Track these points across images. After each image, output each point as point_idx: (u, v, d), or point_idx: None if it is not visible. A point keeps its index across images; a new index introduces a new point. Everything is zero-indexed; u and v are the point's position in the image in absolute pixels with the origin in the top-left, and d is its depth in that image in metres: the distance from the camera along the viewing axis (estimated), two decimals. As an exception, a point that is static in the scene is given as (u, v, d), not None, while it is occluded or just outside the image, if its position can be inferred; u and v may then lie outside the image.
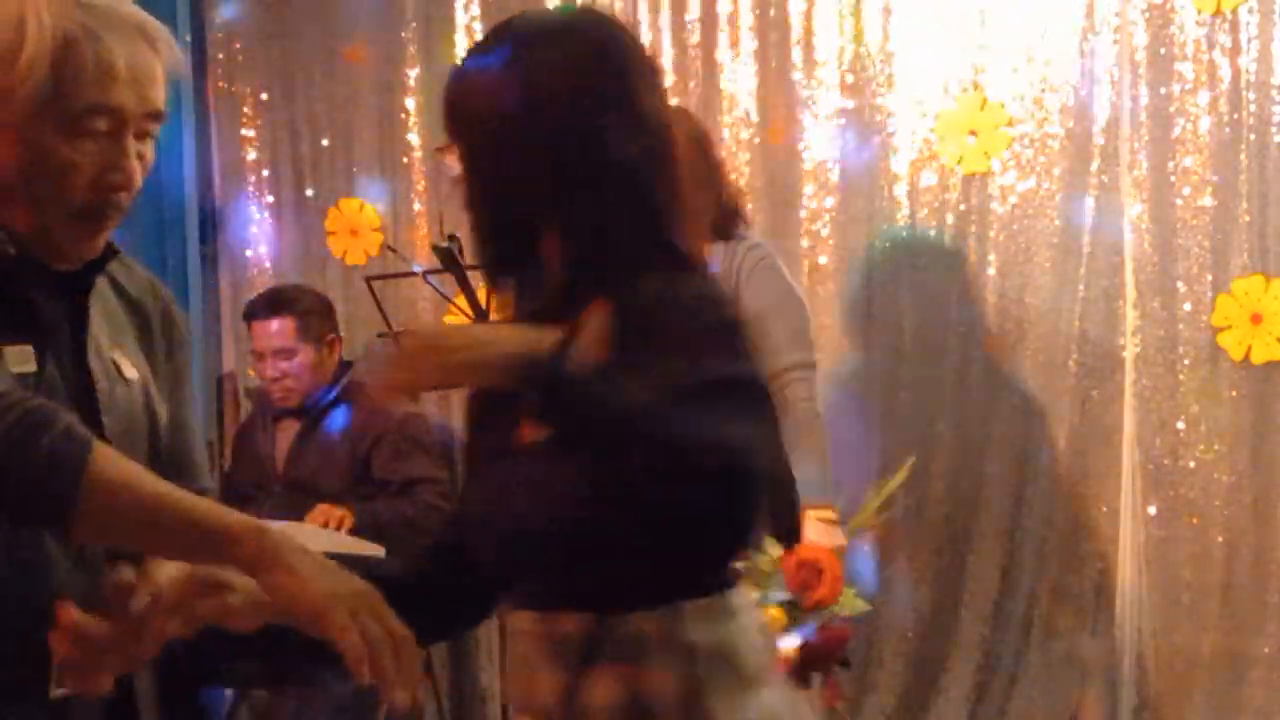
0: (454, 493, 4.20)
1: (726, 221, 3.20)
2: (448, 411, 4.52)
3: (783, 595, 2.85)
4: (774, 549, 2.90)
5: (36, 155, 1.46)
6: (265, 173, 4.78)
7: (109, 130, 1.48)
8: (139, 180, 1.53)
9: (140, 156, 1.53)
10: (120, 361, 1.57)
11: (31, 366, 1.47)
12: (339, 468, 3.94)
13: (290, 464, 4.03)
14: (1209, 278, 3.74)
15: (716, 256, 3.14)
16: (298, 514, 3.73)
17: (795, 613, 2.88)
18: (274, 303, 4.06)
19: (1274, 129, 3.67)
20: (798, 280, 4.13)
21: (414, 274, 3.20)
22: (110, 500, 1.31)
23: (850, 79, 4.11)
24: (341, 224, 4.69)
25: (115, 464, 1.32)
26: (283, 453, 4.06)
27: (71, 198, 1.49)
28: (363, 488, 3.92)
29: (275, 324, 3.98)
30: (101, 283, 1.59)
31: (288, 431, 4.07)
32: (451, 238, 3.05)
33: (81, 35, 1.43)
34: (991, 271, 3.99)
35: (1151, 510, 3.81)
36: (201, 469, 1.68)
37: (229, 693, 4.10)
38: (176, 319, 1.69)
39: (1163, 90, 3.78)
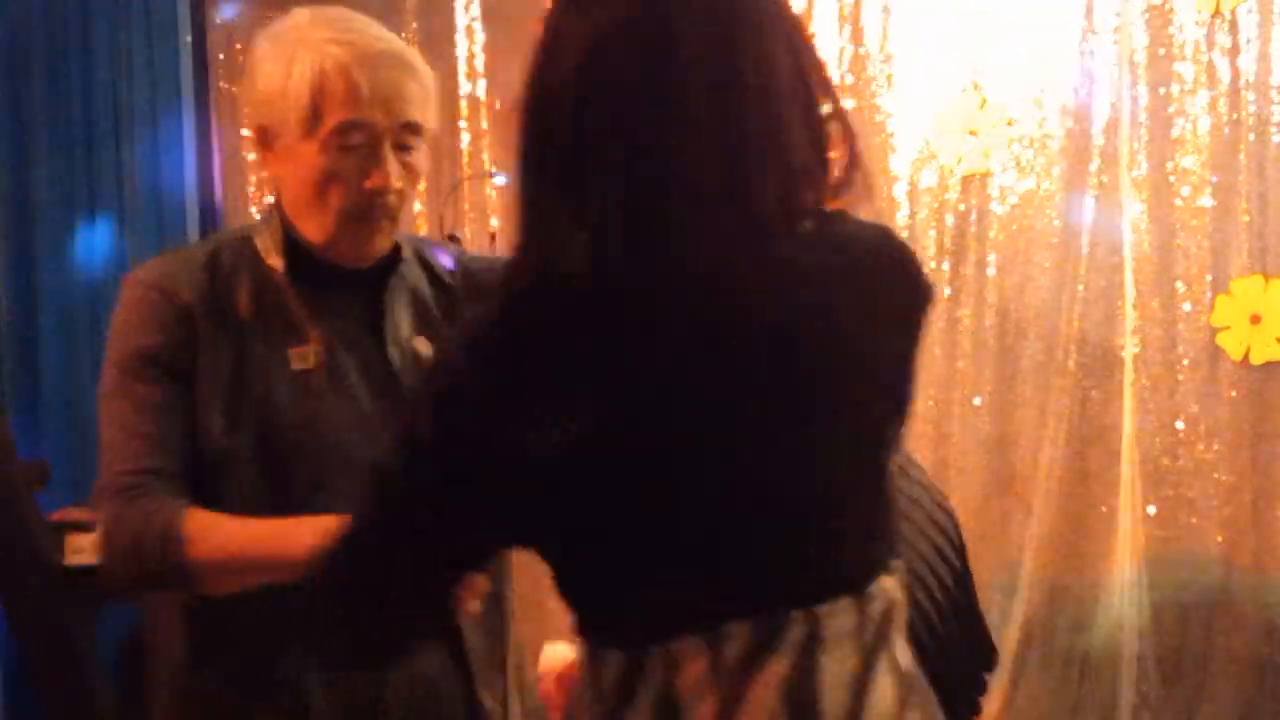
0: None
1: None
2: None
3: None
4: None
5: (309, 169, 1.72)
6: (265, 173, 4.79)
7: (365, 143, 1.71)
8: (399, 184, 1.74)
9: (405, 165, 1.75)
10: (419, 346, 1.80)
11: (309, 364, 1.74)
12: None
13: None
14: (1208, 278, 3.75)
15: None
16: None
17: None
18: None
19: (1273, 129, 3.68)
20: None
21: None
22: (211, 567, 1.64)
23: (850, 79, 4.11)
24: (341, 224, 4.70)
25: (205, 536, 1.63)
26: None
27: (342, 204, 1.72)
28: None
29: None
30: (414, 274, 1.84)
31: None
32: (452, 237, 3.05)
33: (332, 68, 1.69)
34: (991, 271, 3.99)
35: (1151, 510, 3.81)
36: None
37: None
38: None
39: (1162, 90, 3.78)
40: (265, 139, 1.77)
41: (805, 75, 1.25)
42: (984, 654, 1.96)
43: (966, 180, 4.01)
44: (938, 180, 4.04)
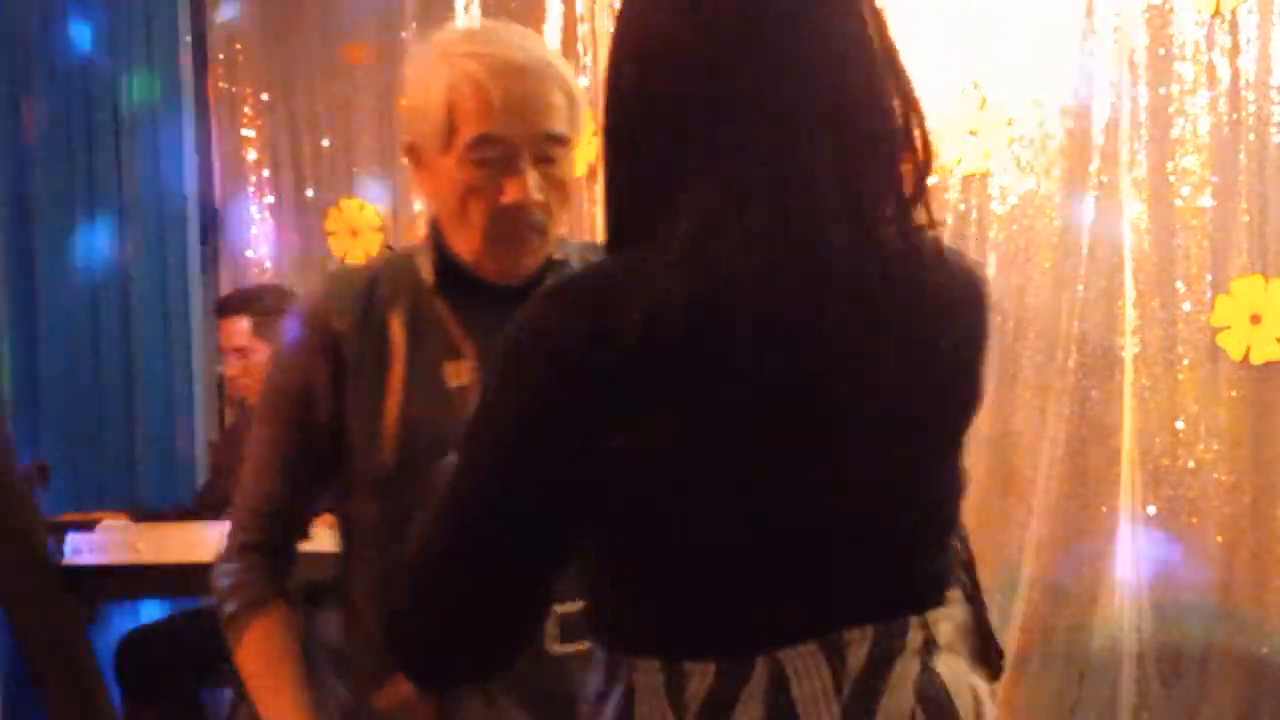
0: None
1: None
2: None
3: None
4: None
5: (450, 185, 1.71)
6: (265, 173, 4.79)
7: (501, 157, 1.68)
8: (539, 196, 1.70)
9: (549, 178, 1.70)
10: None
11: (464, 380, 1.72)
12: None
13: None
14: (1208, 278, 3.74)
15: None
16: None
17: None
18: (233, 301, 4.14)
19: (1273, 129, 3.67)
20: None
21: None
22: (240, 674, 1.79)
23: (850, 79, 4.10)
24: (341, 224, 4.70)
25: (247, 653, 1.78)
26: None
27: (483, 220, 1.71)
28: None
29: (233, 323, 4.05)
30: None
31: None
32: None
33: (464, 82, 1.67)
34: (991, 271, 3.99)
35: (1151, 510, 3.81)
36: None
37: (229, 692, 4.11)
38: None
39: (1162, 90, 3.78)
40: (414, 155, 1.77)
41: (893, 82, 1.26)
42: (991, 663, 2.00)
43: (966, 180, 4.00)
44: (938, 180, 4.04)
